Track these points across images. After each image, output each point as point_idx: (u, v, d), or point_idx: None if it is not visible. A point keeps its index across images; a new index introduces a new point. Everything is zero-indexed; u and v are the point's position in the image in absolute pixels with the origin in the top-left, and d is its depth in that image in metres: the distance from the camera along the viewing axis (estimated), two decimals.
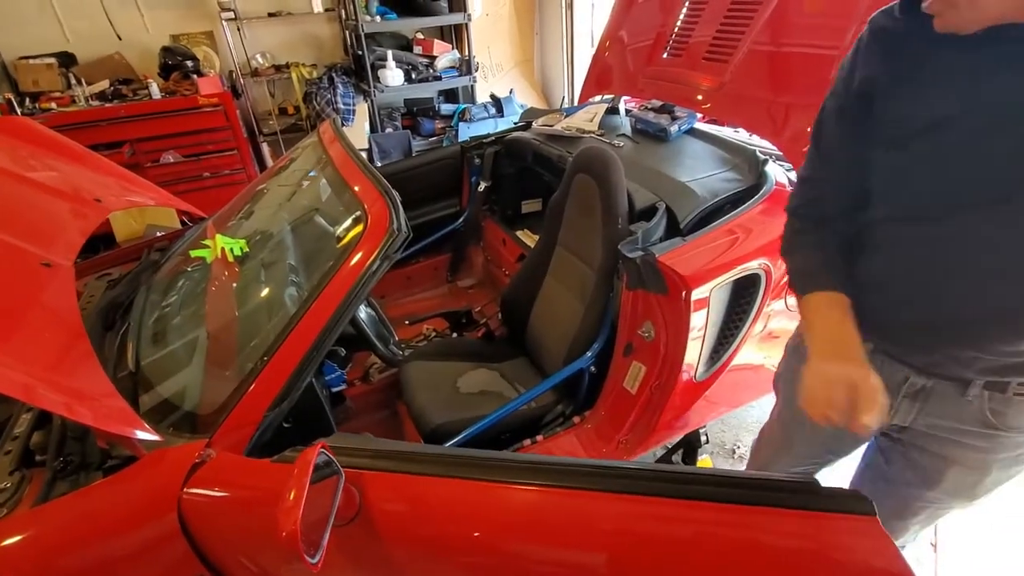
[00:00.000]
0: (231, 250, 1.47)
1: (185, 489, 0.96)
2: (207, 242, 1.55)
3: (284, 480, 0.80)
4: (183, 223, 2.54)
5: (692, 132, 2.18)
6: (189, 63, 3.75)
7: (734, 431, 2.31)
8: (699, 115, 2.18)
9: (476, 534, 0.89)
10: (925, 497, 1.06)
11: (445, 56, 4.42)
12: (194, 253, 1.57)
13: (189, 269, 1.65)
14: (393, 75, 4.15)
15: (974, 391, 0.87)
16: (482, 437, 1.55)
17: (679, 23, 2.14)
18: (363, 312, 1.76)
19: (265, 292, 1.45)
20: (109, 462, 1.08)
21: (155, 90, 3.58)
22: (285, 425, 1.19)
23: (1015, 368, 0.82)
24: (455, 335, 2.32)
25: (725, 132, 2.19)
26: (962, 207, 0.77)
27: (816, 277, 0.94)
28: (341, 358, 1.77)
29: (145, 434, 1.03)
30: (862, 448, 1.21)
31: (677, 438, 1.96)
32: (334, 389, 1.77)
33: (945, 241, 0.80)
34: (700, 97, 2.00)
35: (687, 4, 2.11)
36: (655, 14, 2.23)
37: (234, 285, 1.48)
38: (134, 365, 1.30)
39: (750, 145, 1.97)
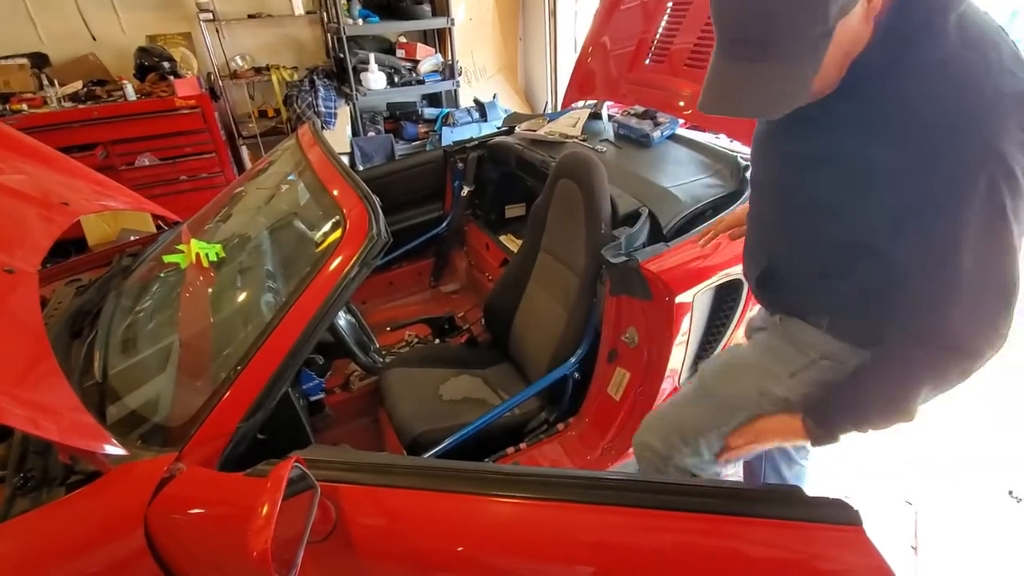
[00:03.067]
0: (206, 255, 1.43)
1: (152, 506, 0.92)
2: (181, 247, 1.51)
3: (256, 495, 0.77)
4: (158, 227, 2.48)
5: (674, 138, 2.19)
6: (166, 64, 3.67)
7: None
8: (681, 121, 2.19)
9: (458, 549, 0.87)
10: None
11: (428, 60, 4.40)
12: (168, 258, 1.52)
13: (162, 275, 1.60)
14: (375, 78, 4.12)
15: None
16: (465, 445, 1.53)
17: (661, 30, 2.15)
18: (342, 319, 1.72)
19: (240, 299, 1.41)
20: (72, 478, 1.02)
21: (130, 91, 3.50)
22: (260, 437, 1.15)
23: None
24: (437, 341, 2.29)
25: (707, 138, 2.20)
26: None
27: None
28: (319, 366, 1.73)
29: (112, 448, 0.99)
30: None
31: None
32: (312, 398, 1.73)
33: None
34: (682, 103, 2.01)
35: (668, 11, 2.12)
36: (637, 21, 2.24)
37: (208, 291, 1.44)
38: (101, 375, 1.25)
39: (732, 151, 1.98)
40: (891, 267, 0.88)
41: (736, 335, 1.66)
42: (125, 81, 3.54)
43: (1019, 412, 2.26)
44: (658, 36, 2.15)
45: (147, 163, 3.62)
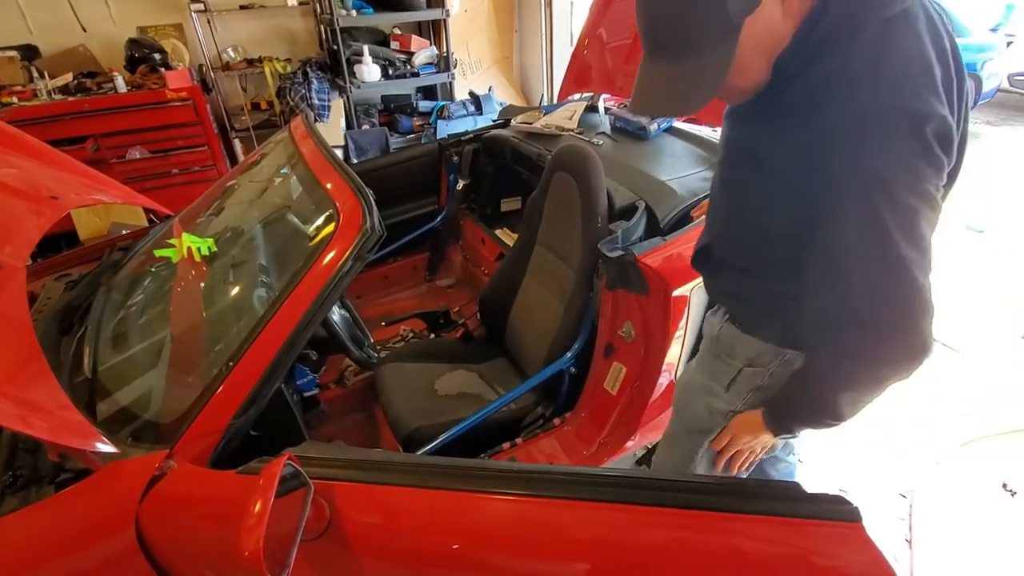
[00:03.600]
0: (198, 249, 1.41)
1: (143, 504, 0.91)
2: (173, 241, 1.49)
3: (249, 493, 0.76)
4: (149, 221, 2.45)
5: (671, 131, 2.18)
6: (157, 56, 3.62)
7: None
8: None
9: (454, 546, 0.86)
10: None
11: (423, 52, 4.35)
12: (159, 252, 1.50)
13: (153, 269, 1.58)
14: (370, 71, 4.08)
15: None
16: (461, 440, 1.52)
17: None
18: (336, 314, 1.71)
19: (232, 293, 1.40)
20: (62, 476, 1.01)
21: (121, 83, 3.44)
22: (253, 433, 1.14)
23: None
24: (433, 336, 2.28)
25: (704, 131, 2.19)
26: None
27: None
28: (313, 361, 1.72)
29: (102, 446, 0.97)
30: None
31: (658, 439, 1.94)
32: (306, 394, 1.72)
33: None
34: None
35: None
36: (633, 12, 2.21)
37: (200, 286, 1.42)
38: (91, 371, 1.24)
39: None
40: (796, 268, 0.89)
41: None
42: (116, 73, 3.49)
43: (1015, 407, 2.27)
44: None
45: (138, 156, 3.58)
